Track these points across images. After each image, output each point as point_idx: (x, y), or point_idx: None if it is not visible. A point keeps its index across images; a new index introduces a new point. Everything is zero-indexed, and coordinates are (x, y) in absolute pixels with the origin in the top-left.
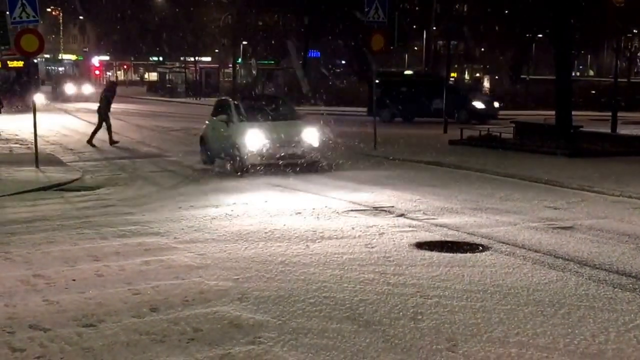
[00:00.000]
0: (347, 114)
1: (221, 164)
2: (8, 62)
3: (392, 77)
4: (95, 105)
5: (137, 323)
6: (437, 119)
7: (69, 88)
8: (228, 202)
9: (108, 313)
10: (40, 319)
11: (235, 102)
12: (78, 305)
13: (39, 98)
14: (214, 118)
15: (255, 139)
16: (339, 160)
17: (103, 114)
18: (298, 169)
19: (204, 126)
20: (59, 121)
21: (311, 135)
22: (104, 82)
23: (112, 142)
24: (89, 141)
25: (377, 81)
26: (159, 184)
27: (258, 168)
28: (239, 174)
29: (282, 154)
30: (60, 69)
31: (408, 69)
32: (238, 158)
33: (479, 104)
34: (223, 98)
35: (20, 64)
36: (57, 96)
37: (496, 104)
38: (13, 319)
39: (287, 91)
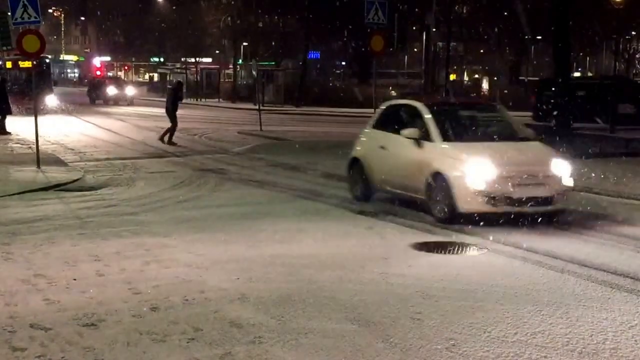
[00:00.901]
0: None
1: (376, 203)
2: (19, 62)
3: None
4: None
5: (138, 322)
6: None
7: (110, 89)
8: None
9: (109, 312)
10: (41, 319)
11: (433, 110)
12: (79, 304)
13: (51, 100)
14: (380, 131)
15: (479, 170)
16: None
17: (172, 114)
18: (539, 220)
19: (357, 143)
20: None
21: (561, 167)
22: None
23: (170, 142)
24: (169, 142)
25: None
26: (159, 185)
27: (475, 217)
28: (442, 221)
29: (522, 197)
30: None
31: (407, 70)
32: (442, 198)
33: None
34: (401, 102)
35: (31, 64)
36: (95, 98)
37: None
38: (14, 318)
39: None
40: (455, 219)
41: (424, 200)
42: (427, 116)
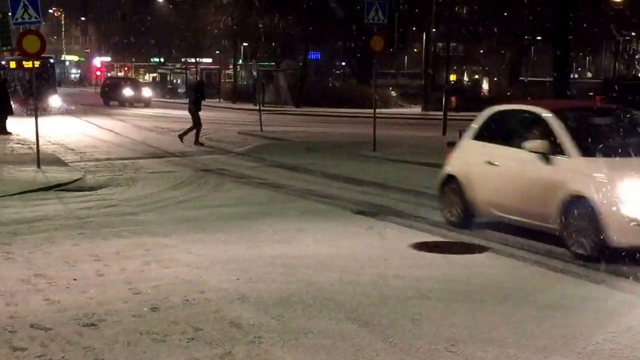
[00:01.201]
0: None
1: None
2: (23, 62)
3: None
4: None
5: (138, 322)
6: None
7: (127, 91)
8: None
9: (109, 312)
10: (41, 319)
11: (563, 116)
12: (79, 304)
13: (55, 100)
14: (486, 143)
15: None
16: None
17: (195, 114)
18: None
19: (453, 157)
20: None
21: None
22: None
23: (197, 142)
24: (196, 142)
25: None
26: (159, 185)
27: (633, 252)
28: (586, 258)
29: None
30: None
31: (407, 71)
32: (585, 228)
33: None
34: (514, 108)
35: (35, 64)
36: (110, 99)
37: None
38: (14, 318)
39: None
40: (604, 255)
41: (553, 230)
42: (557, 125)
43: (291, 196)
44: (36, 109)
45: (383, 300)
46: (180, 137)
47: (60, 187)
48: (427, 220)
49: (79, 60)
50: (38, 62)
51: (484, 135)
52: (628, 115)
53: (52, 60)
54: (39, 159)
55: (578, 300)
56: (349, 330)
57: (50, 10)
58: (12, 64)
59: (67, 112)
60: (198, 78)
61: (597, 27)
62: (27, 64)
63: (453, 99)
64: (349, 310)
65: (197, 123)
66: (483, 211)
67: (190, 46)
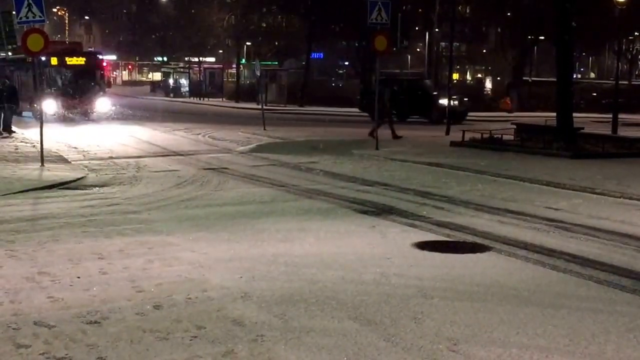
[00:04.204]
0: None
1: None
2: (67, 58)
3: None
4: None
5: (141, 320)
6: None
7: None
8: None
9: (112, 310)
10: (45, 316)
11: None
12: (82, 302)
13: (104, 104)
14: None
15: None
16: None
17: (386, 109)
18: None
19: None
20: None
21: None
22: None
23: (395, 136)
24: (394, 136)
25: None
26: (162, 183)
27: None
28: None
29: None
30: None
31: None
32: None
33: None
34: None
35: (81, 61)
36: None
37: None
38: (18, 316)
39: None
40: None
41: None
42: None
43: (294, 195)
44: (40, 111)
45: (385, 299)
46: (371, 134)
47: (63, 185)
48: (429, 220)
49: None
50: (83, 58)
51: None
52: None
53: (100, 56)
54: (43, 157)
55: (580, 300)
56: (351, 329)
57: (54, 9)
58: (54, 60)
59: (122, 118)
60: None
61: (600, 27)
62: (70, 60)
63: (508, 100)
64: (352, 309)
65: (390, 116)
66: None
67: (193, 45)
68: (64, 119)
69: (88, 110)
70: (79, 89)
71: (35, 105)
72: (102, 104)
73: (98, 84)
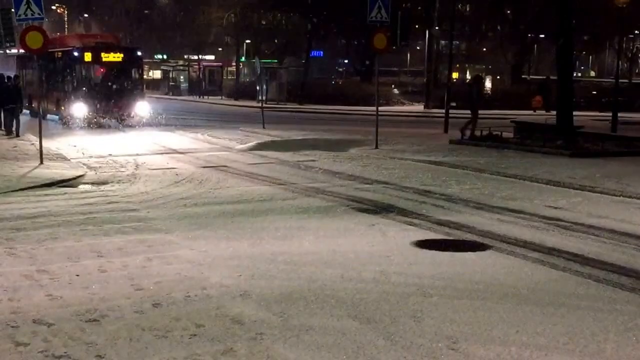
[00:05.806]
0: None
1: None
2: (102, 54)
3: None
4: None
5: (140, 318)
6: None
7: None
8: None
9: (111, 308)
10: (44, 314)
11: None
12: (81, 300)
13: (143, 108)
14: None
15: None
16: None
17: (474, 106)
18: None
19: None
20: None
21: None
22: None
23: (464, 132)
24: (472, 134)
25: None
26: (161, 181)
27: None
28: None
29: None
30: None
31: (410, 68)
32: None
33: None
34: None
35: (119, 57)
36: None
37: None
38: (17, 314)
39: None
40: None
41: None
42: None
43: (293, 193)
44: (39, 110)
45: (384, 298)
46: (462, 130)
47: (63, 183)
48: (429, 218)
49: None
50: (121, 54)
51: None
52: None
53: (139, 53)
54: (42, 155)
55: (579, 299)
56: (350, 327)
57: (53, 7)
58: (87, 56)
59: (165, 124)
60: (477, 75)
61: (600, 26)
62: (107, 57)
63: (539, 98)
64: (351, 307)
65: (475, 114)
66: None
67: (193, 43)
68: (95, 125)
69: (125, 115)
70: (116, 90)
71: (62, 107)
72: (141, 107)
73: (137, 84)
